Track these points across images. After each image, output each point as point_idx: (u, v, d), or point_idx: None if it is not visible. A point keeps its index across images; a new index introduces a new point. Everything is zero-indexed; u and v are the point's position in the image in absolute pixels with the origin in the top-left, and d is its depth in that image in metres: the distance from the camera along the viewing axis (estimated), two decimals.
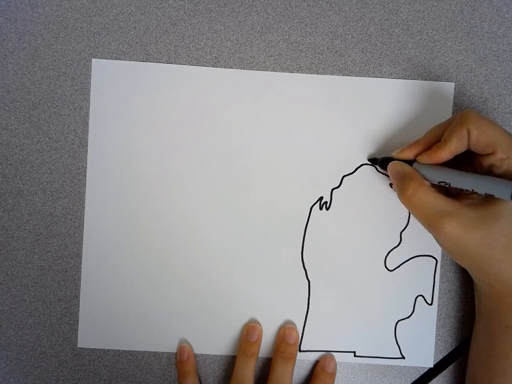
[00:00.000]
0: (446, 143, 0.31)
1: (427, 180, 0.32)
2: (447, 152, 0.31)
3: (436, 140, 0.33)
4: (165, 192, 0.37)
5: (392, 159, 0.34)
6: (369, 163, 0.37)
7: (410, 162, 0.33)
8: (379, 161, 0.36)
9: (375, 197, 0.37)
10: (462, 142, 0.31)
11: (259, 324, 0.37)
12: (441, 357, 0.37)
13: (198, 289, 0.37)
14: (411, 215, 0.37)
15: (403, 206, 0.37)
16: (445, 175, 0.31)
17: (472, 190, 0.30)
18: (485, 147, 0.30)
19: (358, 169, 0.37)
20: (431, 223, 0.31)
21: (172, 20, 0.37)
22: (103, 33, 0.37)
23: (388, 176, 0.37)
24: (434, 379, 0.37)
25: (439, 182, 0.32)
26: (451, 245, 0.31)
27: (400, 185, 0.32)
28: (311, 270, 0.37)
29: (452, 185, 0.31)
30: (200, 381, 0.37)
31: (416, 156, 0.33)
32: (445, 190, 0.33)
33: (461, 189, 0.31)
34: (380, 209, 0.37)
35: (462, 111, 0.31)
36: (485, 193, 0.29)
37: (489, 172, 0.31)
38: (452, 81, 0.37)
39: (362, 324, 0.37)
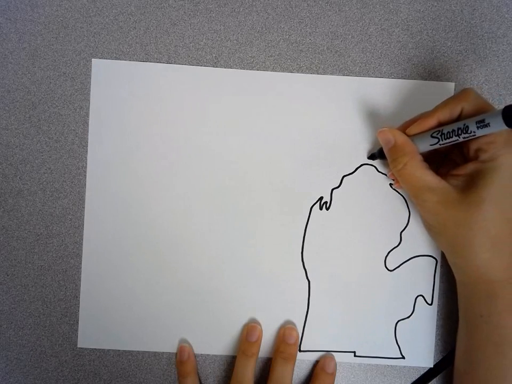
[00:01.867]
0: (436, 111, 0.32)
1: (420, 144, 0.32)
2: (435, 120, 0.32)
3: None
4: (165, 192, 0.37)
5: None
6: (369, 163, 0.37)
7: None
8: (377, 153, 0.36)
9: (375, 197, 0.37)
10: (452, 115, 0.31)
11: (259, 324, 0.37)
12: (441, 357, 0.37)
13: (198, 289, 0.37)
14: (411, 215, 0.37)
15: (403, 206, 0.37)
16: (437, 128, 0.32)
17: (465, 126, 0.29)
18: None
19: (358, 169, 0.37)
20: (415, 196, 0.32)
21: (172, 20, 0.37)
22: (103, 33, 0.37)
23: (383, 174, 0.37)
24: (434, 379, 0.37)
25: (431, 134, 0.31)
26: (431, 220, 0.32)
27: (392, 156, 0.33)
28: (311, 270, 0.37)
29: (444, 130, 0.31)
30: (200, 381, 0.37)
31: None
32: (435, 170, 0.33)
33: (447, 159, 0.31)
34: (380, 209, 0.37)
35: (463, 88, 0.32)
36: (477, 124, 0.29)
37: (476, 156, 0.31)
38: (452, 81, 0.37)
39: (362, 324, 0.37)
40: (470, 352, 0.33)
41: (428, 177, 0.31)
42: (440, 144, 0.31)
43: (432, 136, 0.31)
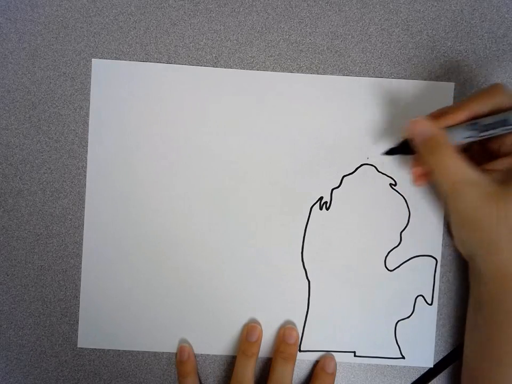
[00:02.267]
0: (468, 105, 0.31)
1: (454, 137, 0.32)
2: (467, 113, 0.31)
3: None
4: (165, 192, 0.37)
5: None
6: (369, 163, 0.37)
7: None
8: (400, 146, 0.34)
9: (375, 197, 0.37)
10: (485, 109, 0.31)
11: (259, 324, 0.37)
12: (441, 357, 0.37)
13: (198, 289, 0.37)
14: (411, 215, 0.37)
15: (403, 206, 0.37)
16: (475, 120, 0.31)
17: (503, 119, 0.29)
18: None
19: (358, 169, 0.37)
20: (453, 190, 0.31)
21: (172, 20, 0.37)
22: (103, 33, 0.37)
23: (388, 176, 0.37)
24: (434, 379, 0.38)
25: (468, 125, 0.31)
26: (467, 215, 0.31)
27: (427, 148, 0.32)
28: (311, 270, 0.37)
29: (482, 122, 0.30)
30: (200, 381, 0.37)
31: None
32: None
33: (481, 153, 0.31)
34: (380, 209, 0.37)
35: (494, 84, 0.32)
36: None
37: (506, 152, 0.32)
38: (452, 81, 0.37)
39: (362, 324, 0.37)
40: (492, 349, 0.32)
41: (466, 169, 0.31)
42: (476, 137, 0.31)
43: (468, 129, 0.31)
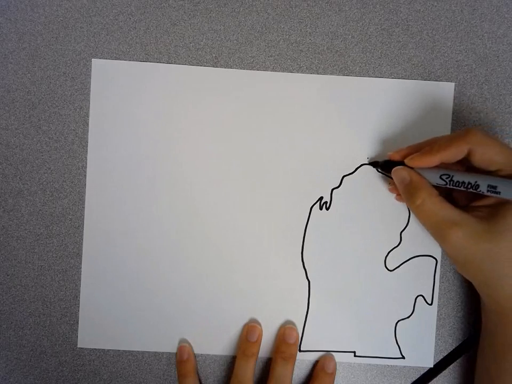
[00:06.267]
0: (439, 151, 0.31)
1: (427, 178, 0.32)
2: (437, 159, 0.31)
3: None
4: (165, 192, 0.37)
5: (393, 162, 0.34)
6: (370, 164, 0.37)
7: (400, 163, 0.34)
8: (380, 164, 0.36)
9: (375, 197, 0.37)
10: (457, 156, 0.31)
11: (259, 324, 0.37)
12: (441, 357, 0.37)
13: (198, 289, 0.37)
14: (411, 215, 0.37)
15: (403, 206, 0.37)
16: (448, 171, 0.31)
17: (475, 183, 0.30)
18: (489, 165, 0.30)
19: (358, 169, 0.37)
20: (438, 232, 0.31)
21: (172, 20, 0.37)
22: (103, 33, 0.37)
23: (388, 176, 0.37)
24: (434, 379, 0.38)
25: (440, 176, 0.31)
26: (456, 255, 0.31)
27: (408, 193, 0.32)
28: (311, 270, 0.37)
29: (454, 178, 0.31)
30: (200, 381, 0.37)
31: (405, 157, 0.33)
32: (453, 202, 0.33)
33: (464, 192, 0.31)
34: (379, 209, 0.37)
35: (467, 128, 0.31)
36: (488, 187, 0.29)
37: None
38: (452, 81, 0.37)
39: (362, 324, 0.37)
40: (494, 379, 0.32)
41: (449, 211, 0.31)
42: (446, 187, 0.31)
43: (440, 178, 0.31)
